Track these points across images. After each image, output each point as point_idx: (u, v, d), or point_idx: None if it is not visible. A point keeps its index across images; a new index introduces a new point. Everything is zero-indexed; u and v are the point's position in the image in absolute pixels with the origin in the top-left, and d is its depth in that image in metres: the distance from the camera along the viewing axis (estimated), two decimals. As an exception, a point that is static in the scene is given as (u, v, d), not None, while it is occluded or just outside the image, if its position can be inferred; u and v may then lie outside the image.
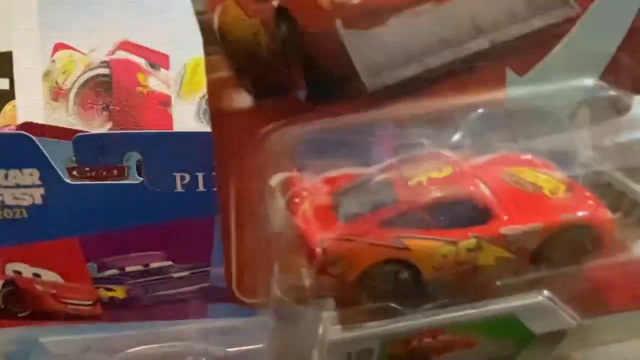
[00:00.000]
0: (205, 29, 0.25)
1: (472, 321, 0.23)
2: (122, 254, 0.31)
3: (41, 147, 0.28)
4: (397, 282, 0.23)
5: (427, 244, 0.22)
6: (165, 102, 0.60)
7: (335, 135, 0.26)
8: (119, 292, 0.32)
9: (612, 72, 0.26)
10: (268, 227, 0.25)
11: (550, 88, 0.26)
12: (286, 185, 0.25)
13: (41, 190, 0.29)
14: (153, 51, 0.60)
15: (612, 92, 0.26)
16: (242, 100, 0.26)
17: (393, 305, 0.23)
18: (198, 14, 0.25)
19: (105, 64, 0.59)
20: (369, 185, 0.24)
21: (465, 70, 0.26)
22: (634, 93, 0.27)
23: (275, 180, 0.26)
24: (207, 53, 0.25)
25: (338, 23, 0.24)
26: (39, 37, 0.58)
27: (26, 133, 0.28)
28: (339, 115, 0.25)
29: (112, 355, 0.32)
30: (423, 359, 0.23)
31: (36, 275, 0.31)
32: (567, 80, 0.26)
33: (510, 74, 0.26)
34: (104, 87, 0.60)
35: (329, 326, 0.22)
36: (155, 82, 0.60)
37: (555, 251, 0.23)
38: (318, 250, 0.22)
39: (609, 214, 0.24)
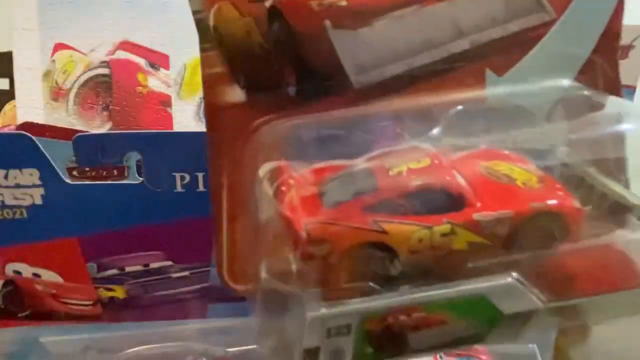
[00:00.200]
0: (202, 26, 0.26)
1: (444, 300, 0.24)
2: (122, 254, 0.31)
3: (41, 147, 0.28)
4: (376, 263, 0.24)
5: (403, 228, 0.24)
6: (165, 102, 0.60)
7: (323, 129, 0.27)
8: (119, 292, 0.32)
9: (586, 73, 0.28)
10: (257, 215, 0.26)
11: (528, 88, 0.28)
12: (274, 174, 0.27)
13: (41, 190, 0.29)
14: (153, 51, 0.60)
15: (587, 92, 0.28)
16: (236, 94, 0.27)
17: (372, 285, 0.24)
18: (195, 12, 0.26)
19: (105, 64, 0.60)
20: (352, 174, 0.26)
21: (447, 70, 0.27)
22: (607, 93, 0.28)
23: (263, 169, 0.27)
24: (203, 50, 0.27)
25: (327, 23, 0.26)
26: (39, 37, 0.58)
27: (26, 133, 0.28)
28: (327, 110, 0.27)
29: (112, 355, 0.32)
30: (398, 335, 0.24)
31: (36, 275, 0.31)
32: (544, 80, 0.28)
33: (489, 74, 0.28)
34: (104, 87, 0.60)
35: (310, 303, 0.24)
36: (155, 82, 0.60)
37: (526, 237, 0.25)
38: (302, 233, 0.24)
39: (577, 204, 0.25)
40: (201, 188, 0.30)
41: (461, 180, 0.25)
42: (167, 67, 0.60)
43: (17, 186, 0.29)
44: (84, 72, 0.59)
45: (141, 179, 0.30)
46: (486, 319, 0.24)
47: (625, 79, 0.52)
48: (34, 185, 0.29)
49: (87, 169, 0.40)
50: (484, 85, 0.28)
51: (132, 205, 0.30)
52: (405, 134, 0.27)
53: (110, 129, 0.59)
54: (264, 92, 0.27)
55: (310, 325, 0.23)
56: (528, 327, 0.25)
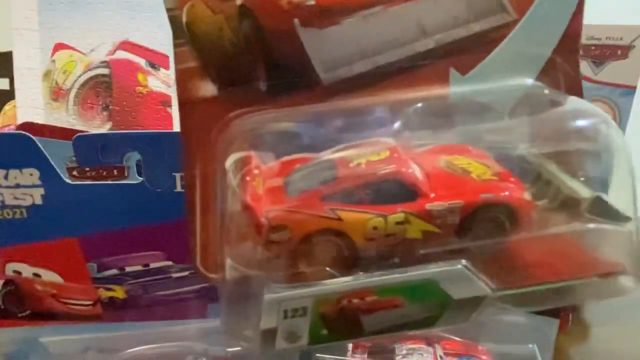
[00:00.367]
0: (175, 23, 0.27)
1: (396, 284, 0.25)
2: (122, 254, 0.31)
3: (41, 147, 0.28)
4: (332, 249, 0.26)
5: (357, 216, 0.25)
6: (165, 102, 0.60)
7: (293, 122, 0.29)
8: (119, 292, 0.32)
9: (548, 73, 0.29)
10: (223, 205, 0.27)
11: (491, 86, 0.29)
12: (239, 165, 0.28)
13: (41, 190, 0.29)
14: (153, 51, 0.60)
15: (547, 91, 0.29)
16: (208, 89, 0.28)
17: (330, 270, 0.26)
18: (168, 10, 0.27)
19: (105, 63, 0.59)
20: (316, 165, 0.27)
21: (412, 68, 0.29)
22: (568, 91, 0.29)
23: (230, 160, 0.28)
24: (176, 45, 0.28)
25: (296, 22, 0.27)
26: (39, 37, 0.58)
27: (26, 133, 0.28)
28: (297, 105, 0.28)
29: (112, 355, 0.32)
30: (352, 317, 0.26)
31: (36, 275, 0.31)
32: (506, 79, 0.29)
33: (453, 72, 0.29)
34: (104, 87, 0.60)
35: (268, 287, 0.25)
36: (155, 82, 0.60)
37: (477, 226, 0.26)
38: (263, 220, 0.25)
39: (527, 196, 0.27)
40: (201, 188, 0.30)
41: (418, 172, 0.27)
42: (167, 67, 0.60)
43: (17, 186, 0.29)
44: (84, 72, 0.59)
45: (141, 179, 0.30)
46: (437, 303, 0.26)
47: (625, 79, 0.52)
48: (34, 185, 0.29)
49: (87, 169, 0.40)
50: (448, 83, 0.29)
51: (132, 205, 0.30)
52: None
53: (110, 129, 0.59)
54: (235, 86, 0.28)
55: (267, 307, 0.25)
56: (479, 311, 0.26)
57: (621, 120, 0.52)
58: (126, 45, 0.60)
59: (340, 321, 0.26)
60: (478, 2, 0.28)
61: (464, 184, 0.27)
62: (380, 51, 0.28)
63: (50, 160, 0.29)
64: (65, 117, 0.59)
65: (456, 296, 0.25)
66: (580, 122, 0.28)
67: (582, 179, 0.28)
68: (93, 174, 0.40)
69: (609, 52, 0.51)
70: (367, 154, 0.27)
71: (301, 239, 0.25)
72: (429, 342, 0.34)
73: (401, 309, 0.26)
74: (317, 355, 0.33)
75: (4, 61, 0.61)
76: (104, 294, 0.32)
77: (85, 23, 0.59)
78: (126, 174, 0.39)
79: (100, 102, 0.59)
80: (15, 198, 0.29)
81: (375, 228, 0.25)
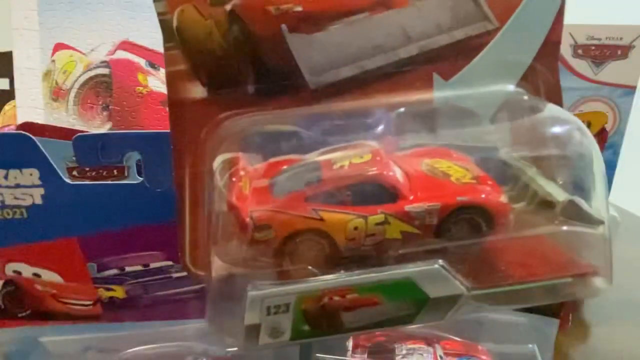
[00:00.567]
0: (165, 27, 0.28)
1: (375, 283, 0.26)
2: (122, 254, 0.31)
3: (41, 147, 0.28)
4: (315, 248, 0.27)
5: (339, 217, 0.26)
6: (165, 102, 0.60)
7: (280, 125, 0.30)
8: (119, 292, 0.32)
9: (528, 79, 0.30)
10: (211, 205, 0.28)
11: (473, 92, 0.30)
12: (227, 165, 0.29)
13: (41, 190, 0.29)
14: (153, 51, 0.60)
15: (527, 97, 0.30)
16: (198, 91, 0.29)
17: (312, 268, 0.27)
18: (159, 14, 0.28)
19: (105, 63, 0.59)
20: (301, 167, 0.28)
21: (397, 73, 0.29)
22: (547, 98, 0.30)
23: (217, 162, 0.29)
24: (167, 49, 0.28)
25: (283, 27, 0.28)
26: (39, 37, 0.58)
27: (26, 133, 0.28)
28: (284, 108, 0.29)
29: (112, 355, 0.32)
30: (333, 314, 0.26)
31: (36, 275, 0.31)
32: (488, 85, 0.30)
33: (437, 78, 0.30)
34: (104, 87, 0.60)
35: (252, 284, 0.26)
36: (155, 82, 0.60)
37: (454, 227, 0.27)
38: (248, 220, 0.26)
39: (503, 199, 0.28)
40: (201, 188, 0.30)
41: (399, 175, 0.28)
42: (167, 67, 0.60)
43: (17, 186, 0.29)
44: (84, 72, 0.59)
45: (141, 179, 0.30)
46: (414, 302, 0.27)
47: (625, 79, 0.52)
48: (34, 185, 0.29)
49: (87, 169, 0.40)
50: (431, 88, 0.30)
51: (132, 205, 0.30)
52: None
53: (110, 129, 0.59)
54: (224, 89, 0.29)
55: (251, 303, 0.26)
56: (455, 310, 0.27)
57: (621, 120, 0.52)
58: (126, 45, 0.60)
59: (322, 318, 0.26)
60: (461, 11, 0.29)
61: (443, 187, 0.28)
62: (366, 56, 0.29)
63: (50, 160, 0.29)
64: (65, 117, 0.59)
65: (433, 295, 0.26)
66: (556, 129, 0.29)
67: (559, 182, 0.28)
68: (93, 174, 0.40)
69: (609, 52, 0.51)
70: (351, 157, 0.28)
71: (285, 238, 0.26)
72: (429, 342, 0.34)
73: (380, 307, 0.26)
74: (317, 355, 0.33)
75: (4, 61, 0.61)
76: (104, 294, 0.32)
77: (85, 23, 0.59)
78: (126, 174, 0.39)
79: (100, 102, 0.59)
80: (15, 198, 0.29)
81: (356, 228, 0.26)
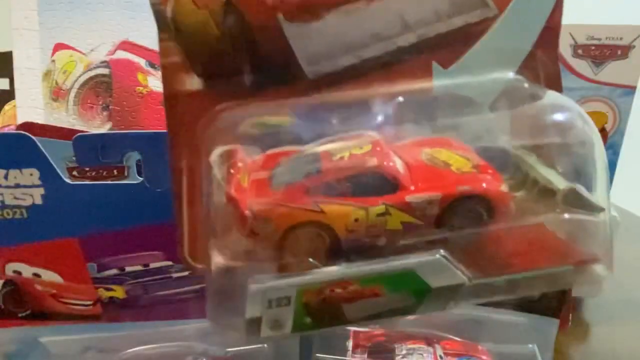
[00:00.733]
0: (160, 18, 0.28)
1: (377, 274, 0.26)
2: (122, 254, 0.31)
3: (41, 147, 0.28)
4: (316, 241, 0.26)
5: (340, 209, 0.26)
6: (165, 102, 0.60)
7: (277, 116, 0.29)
8: (119, 292, 0.32)
9: (528, 66, 0.29)
10: (209, 198, 0.28)
11: (473, 79, 0.29)
12: (225, 158, 0.28)
13: (41, 190, 0.29)
14: (153, 51, 0.60)
15: (527, 85, 0.29)
16: (194, 82, 0.28)
17: (313, 261, 0.26)
18: (153, 4, 0.27)
19: (105, 63, 0.59)
20: (301, 159, 0.28)
21: (395, 62, 0.29)
22: (547, 85, 0.30)
23: (215, 154, 0.28)
24: (161, 40, 0.28)
25: (280, 17, 0.28)
26: (39, 37, 0.58)
27: (26, 133, 0.28)
28: (282, 98, 0.29)
29: (112, 355, 0.32)
30: (334, 306, 0.26)
31: (36, 275, 0.31)
32: (487, 73, 0.29)
33: (436, 66, 0.29)
34: (104, 87, 0.60)
35: (253, 277, 0.26)
36: (155, 82, 0.60)
37: (455, 217, 0.27)
38: (247, 212, 0.26)
39: (504, 188, 0.27)
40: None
41: (399, 165, 0.27)
42: (167, 67, 0.60)
43: (17, 186, 0.29)
44: (84, 72, 0.59)
45: (141, 179, 0.30)
46: (416, 292, 0.26)
47: (625, 79, 0.52)
48: (34, 185, 0.29)
49: (87, 169, 0.40)
50: (431, 76, 0.29)
51: (132, 205, 0.30)
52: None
53: (110, 129, 0.59)
54: (220, 80, 0.29)
55: (252, 296, 0.26)
56: (457, 300, 0.27)
57: (621, 120, 0.52)
58: (126, 45, 0.60)
59: (323, 310, 0.26)
60: None
61: (443, 177, 0.27)
62: (364, 45, 0.29)
63: (50, 160, 0.29)
64: (65, 117, 0.59)
65: (434, 285, 0.26)
66: (557, 116, 0.29)
67: (560, 170, 0.28)
68: (93, 174, 0.40)
69: (609, 52, 0.51)
70: (350, 147, 0.28)
71: (285, 231, 0.26)
72: (429, 342, 0.34)
73: (382, 298, 0.26)
74: (317, 355, 0.33)
75: (4, 61, 0.61)
76: (104, 294, 0.32)
77: (85, 23, 0.59)
78: (126, 174, 0.39)
79: (100, 102, 0.59)
80: (15, 198, 0.29)
81: (357, 220, 0.26)
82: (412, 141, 0.30)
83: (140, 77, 0.60)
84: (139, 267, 0.32)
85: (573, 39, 0.52)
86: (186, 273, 0.32)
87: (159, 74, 0.60)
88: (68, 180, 0.29)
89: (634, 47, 0.50)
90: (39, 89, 0.58)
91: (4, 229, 0.29)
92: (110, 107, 0.59)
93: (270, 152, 0.29)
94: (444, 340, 0.34)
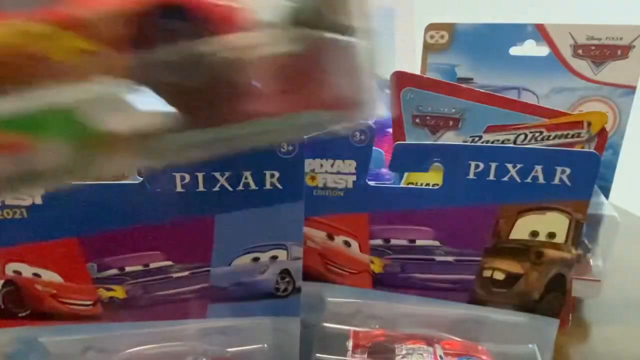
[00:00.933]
0: None
1: (17, 115, 0.17)
2: (122, 254, 0.31)
3: (41, 147, 0.28)
4: None
5: None
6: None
7: None
8: (119, 292, 0.32)
9: None
10: None
11: None
12: None
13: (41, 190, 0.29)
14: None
15: None
16: None
17: None
18: None
19: (105, 64, 0.59)
20: None
21: None
22: None
23: None
24: None
25: None
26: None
27: (26, 133, 0.28)
28: None
29: (112, 355, 0.32)
30: None
31: (36, 275, 0.31)
32: None
33: None
34: (104, 87, 0.59)
35: None
36: (155, 82, 0.60)
37: (155, 38, 0.19)
38: None
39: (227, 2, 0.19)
40: (201, 188, 0.30)
41: None
42: (167, 67, 0.60)
43: (17, 186, 0.29)
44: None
45: (141, 179, 0.30)
46: (80, 140, 0.18)
47: (625, 79, 0.52)
48: (34, 185, 0.29)
49: (87, 169, 0.40)
50: None
51: (132, 205, 0.30)
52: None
53: (110, 129, 0.59)
54: None
55: None
56: (158, 155, 0.19)
57: (621, 120, 0.52)
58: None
59: None
60: None
61: None
62: None
63: (50, 160, 0.29)
64: (65, 117, 0.59)
65: (109, 128, 0.18)
66: None
67: None
68: (93, 174, 0.40)
69: (609, 52, 0.51)
70: None
71: None
72: (429, 342, 0.34)
73: (28, 152, 0.18)
74: (317, 355, 0.33)
75: (4, 61, 0.61)
76: (104, 294, 0.32)
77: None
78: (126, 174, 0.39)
79: (100, 102, 0.59)
80: (15, 198, 0.29)
81: None
82: None
83: (140, 77, 0.60)
84: (139, 267, 0.32)
85: (573, 39, 0.52)
86: (186, 273, 0.32)
87: (159, 74, 0.60)
88: (68, 180, 0.29)
89: (634, 47, 0.50)
90: (39, 89, 0.58)
91: (4, 229, 0.29)
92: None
93: None
94: (444, 340, 0.34)
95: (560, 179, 0.32)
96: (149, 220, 0.30)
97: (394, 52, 0.64)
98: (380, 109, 0.22)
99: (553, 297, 0.35)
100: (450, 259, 0.35)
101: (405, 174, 0.43)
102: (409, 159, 0.34)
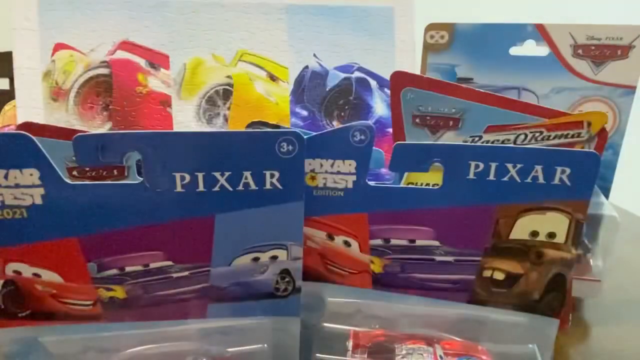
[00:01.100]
0: None
1: None
2: (122, 254, 0.31)
3: (41, 147, 0.28)
4: None
5: None
6: (165, 102, 0.60)
7: None
8: (119, 292, 0.32)
9: None
10: None
11: None
12: None
13: (41, 190, 0.29)
14: (153, 51, 0.60)
15: None
16: None
17: None
18: None
19: (105, 63, 0.60)
20: None
21: None
22: None
23: None
24: None
25: None
26: (39, 37, 0.58)
27: (26, 133, 0.28)
28: None
29: (112, 355, 0.32)
30: None
31: (36, 275, 0.31)
32: None
33: None
34: (104, 87, 0.60)
35: None
36: (155, 82, 0.60)
37: None
38: None
39: None
40: (201, 188, 0.30)
41: None
42: (167, 67, 0.60)
43: (17, 186, 0.29)
44: (84, 72, 0.59)
45: (141, 179, 0.30)
46: None
47: (625, 79, 0.52)
48: (34, 185, 0.29)
49: (87, 169, 0.40)
50: None
51: (132, 205, 0.30)
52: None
53: (110, 129, 0.59)
54: None
55: None
56: None
57: (621, 121, 0.52)
58: (126, 45, 0.60)
59: None
60: None
61: None
62: None
63: (50, 160, 0.29)
64: (65, 117, 0.59)
65: None
66: None
67: None
68: (93, 174, 0.40)
69: (609, 52, 0.51)
70: None
71: None
72: (429, 342, 0.34)
73: None
74: (317, 355, 0.33)
75: (4, 61, 0.61)
76: (104, 294, 0.32)
77: (85, 23, 0.59)
78: (126, 174, 0.39)
79: (100, 102, 0.59)
80: (15, 198, 0.29)
81: None
82: None
83: (140, 77, 0.60)
84: (139, 267, 0.32)
85: (573, 39, 0.52)
86: (186, 273, 0.32)
87: (159, 74, 0.60)
88: (68, 180, 0.29)
89: (634, 47, 0.50)
90: (39, 89, 0.58)
91: (4, 229, 0.29)
92: (110, 107, 0.59)
93: None
94: (444, 340, 0.34)
95: (560, 179, 0.32)
96: (149, 220, 0.30)
97: (394, 52, 0.64)
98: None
99: (553, 297, 0.35)
100: (450, 259, 0.35)
101: (405, 174, 0.43)
102: (409, 159, 0.34)
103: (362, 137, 0.33)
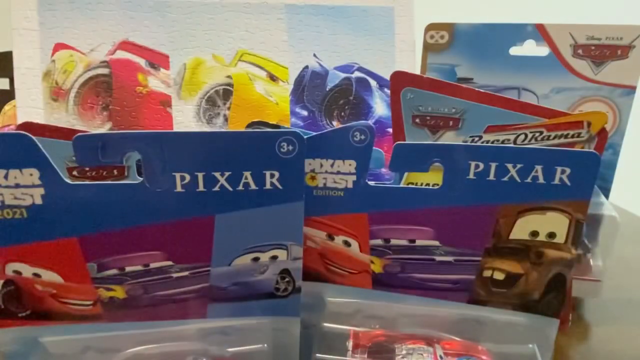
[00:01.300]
0: None
1: None
2: (122, 254, 0.31)
3: (41, 147, 0.28)
4: None
5: None
6: (165, 102, 0.60)
7: None
8: (119, 292, 0.32)
9: None
10: None
11: None
12: None
13: (41, 190, 0.29)
14: (153, 51, 0.60)
15: None
16: None
17: None
18: None
19: (105, 63, 0.59)
20: None
21: None
22: None
23: None
24: None
25: None
26: (39, 37, 0.58)
27: (26, 133, 0.28)
28: None
29: (112, 355, 0.32)
30: None
31: (36, 275, 0.31)
32: None
33: None
34: (104, 87, 0.60)
35: None
36: (155, 82, 0.60)
37: None
38: None
39: None
40: (201, 188, 0.30)
41: None
42: (167, 67, 0.60)
43: (17, 186, 0.29)
44: (84, 72, 0.59)
45: (141, 179, 0.30)
46: None
47: (625, 79, 0.52)
48: (34, 185, 0.29)
49: (87, 169, 0.40)
50: None
51: (132, 205, 0.30)
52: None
53: (110, 129, 0.59)
54: None
55: None
56: None
57: (621, 120, 0.52)
58: (126, 45, 0.60)
59: None
60: None
61: None
62: None
63: (50, 160, 0.29)
64: (65, 117, 0.59)
65: None
66: None
67: None
68: (93, 174, 0.40)
69: (609, 52, 0.51)
70: None
71: None
72: (429, 342, 0.34)
73: None
74: (317, 355, 0.34)
75: (4, 61, 0.61)
76: (104, 294, 0.32)
77: (85, 23, 0.59)
78: (126, 174, 0.39)
79: (100, 102, 0.59)
80: (15, 198, 0.29)
81: None
82: None
83: (140, 77, 0.60)
84: (139, 267, 0.32)
85: (573, 39, 0.52)
86: (186, 273, 0.32)
87: (159, 74, 0.60)
88: (68, 180, 0.29)
89: (634, 47, 0.50)
90: (39, 89, 0.58)
91: (4, 229, 0.29)
92: (110, 107, 0.59)
93: None
94: (444, 340, 0.34)
95: (560, 179, 0.32)
96: (149, 220, 0.30)
97: (394, 52, 0.64)
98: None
99: (553, 297, 0.35)
100: (450, 259, 0.35)
101: (405, 174, 0.43)
102: (409, 159, 0.34)
103: (362, 137, 0.33)
